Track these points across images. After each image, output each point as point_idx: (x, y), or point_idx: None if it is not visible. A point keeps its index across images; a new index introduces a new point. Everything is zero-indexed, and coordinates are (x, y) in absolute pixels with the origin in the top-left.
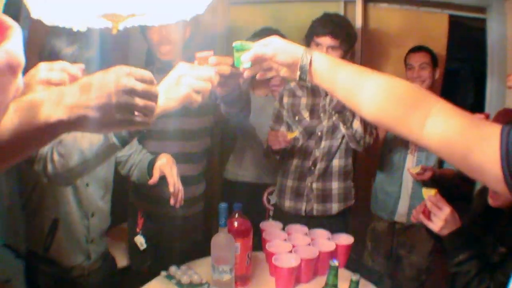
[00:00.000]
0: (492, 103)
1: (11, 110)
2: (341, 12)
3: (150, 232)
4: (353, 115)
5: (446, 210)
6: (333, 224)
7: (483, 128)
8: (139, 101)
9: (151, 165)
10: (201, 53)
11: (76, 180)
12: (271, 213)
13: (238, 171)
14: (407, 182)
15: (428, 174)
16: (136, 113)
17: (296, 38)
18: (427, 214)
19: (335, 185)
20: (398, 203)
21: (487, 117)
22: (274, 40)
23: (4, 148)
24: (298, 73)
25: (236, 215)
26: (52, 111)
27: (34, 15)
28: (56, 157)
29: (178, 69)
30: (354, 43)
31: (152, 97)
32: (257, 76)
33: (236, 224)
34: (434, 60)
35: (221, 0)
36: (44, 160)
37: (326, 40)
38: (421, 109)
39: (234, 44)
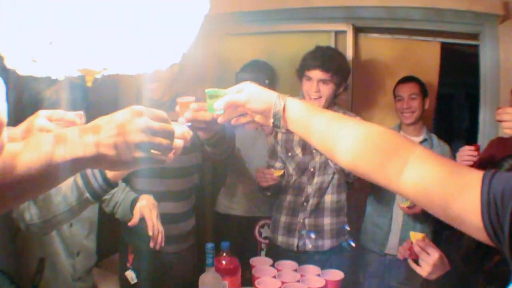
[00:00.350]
0: (485, 130)
1: (27, 148)
2: (332, 43)
3: (141, 267)
4: None
5: (434, 255)
6: (326, 259)
7: (463, 176)
8: (156, 140)
9: (132, 205)
10: (182, 98)
11: (52, 230)
12: (263, 246)
13: (230, 204)
14: (398, 215)
15: (418, 208)
16: (152, 151)
17: (287, 69)
18: (414, 253)
19: (327, 221)
20: (388, 235)
21: (478, 148)
22: (247, 86)
23: (22, 184)
24: (272, 120)
25: (224, 254)
26: (69, 148)
27: (9, 65)
28: (33, 208)
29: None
30: (347, 76)
31: (168, 135)
32: (232, 122)
33: (224, 262)
34: (423, 90)
35: (212, 33)
36: (22, 209)
37: (317, 74)
38: (398, 157)
39: (206, 91)
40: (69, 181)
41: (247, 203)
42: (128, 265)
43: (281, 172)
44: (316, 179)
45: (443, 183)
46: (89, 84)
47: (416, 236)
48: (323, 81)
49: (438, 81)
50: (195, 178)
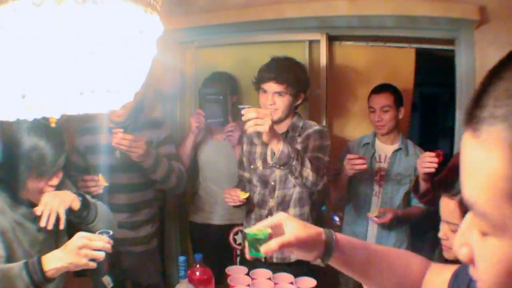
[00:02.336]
0: (460, 133)
1: None
2: (306, 52)
3: (115, 271)
4: (301, 162)
5: None
6: (294, 270)
7: None
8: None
9: None
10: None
11: None
12: (239, 252)
13: (203, 214)
14: (373, 224)
15: (388, 217)
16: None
17: None
18: None
19: None
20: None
21: (439, 155)
22: (286, 220)
23: None
24: (321, 252)
25: (197, 265)
26: None
27: None
28: None
29: (77, 238)
30: (305, 86)
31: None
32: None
33: (197, 273)
34: (398, 99)
35: (187, 46)
36: None
37: (271, 86)
38: None
39: (247, 232)
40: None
41: (220, 212)
42: (104, 270)
43: (247, 195)
44: (277, 193)
45: None
46: (53, 124)
47: None
48: (278, 93)
49: (413, 87)
50: (151, 192)
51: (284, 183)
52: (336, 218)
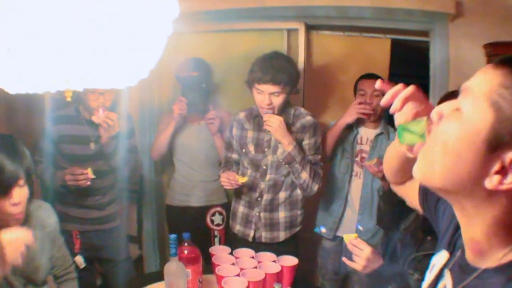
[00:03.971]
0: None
1: None
2: (285, 40)
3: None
4: (302, 166)
5: (366, 250)
6: (281, 249)
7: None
8: None
9: None
10: None
11: None
12: (216, 233)
13: (180, 196)
14: (353, 207)
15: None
16: None
17: (242, 65)
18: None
19: (281, 215)
20: (340, 221)
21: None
22: None
23: None
24: None
25: (186, 244)
26: None
27: None
28: None
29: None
30: (297, 82)
31: None
32: None
33: (186, 252)
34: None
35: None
36: None
37: (268, 88)
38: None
39: (399, 124)
40: None
41: (197, 194)
42: (75, 250)
43: (245, 179)
44: (269, 176)
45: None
46: (68, 99)
47: (349, 237)
48: (275, 94)
49: (388, 77)
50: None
51: (277, 169)
52: (323, 229)
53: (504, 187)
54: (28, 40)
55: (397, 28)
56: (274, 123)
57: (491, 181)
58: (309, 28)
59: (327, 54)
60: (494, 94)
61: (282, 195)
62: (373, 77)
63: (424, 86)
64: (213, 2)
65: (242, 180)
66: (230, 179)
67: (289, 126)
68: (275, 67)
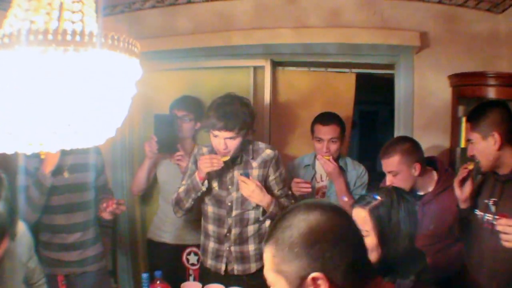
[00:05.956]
0: None
1: None
2: (251, 77)
3: None
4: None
5: None
6: (253, 281)
7: None
8: None
9: None
10: None
11: None
12: (191, 272)
13: (160, 232)
14: None
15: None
16: None
17: (209, 102)
18: None
19: (251, 248)
20: None
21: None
22: None
23: None
24: None
25: (158, 282)
26: None
27: None
28: None
29: None
30: (252, 124)
31: None
32: None
33: None
34: (343, 129)
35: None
36: None
37: (223, 134)
38: None
39: None
40: None
41: (173, 232)
42: None
43: (226, 158)
44: (235, 212)
45: None
46: (42, 156)
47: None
48: (229, 138)
49: (353, 107)
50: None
51: (242, 204)
52: None
53: None
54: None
55: (362, 62)
56: (248, 189)
57: None
58: (275, 64)
59: (293, 90)
60: None
61: (250, 228)
62: (330, 122)
63: (391, 112)
64: (181, 41)
65: (224, 158)
66: (213, 160)
67: (249, 162)
68: (228, 113)
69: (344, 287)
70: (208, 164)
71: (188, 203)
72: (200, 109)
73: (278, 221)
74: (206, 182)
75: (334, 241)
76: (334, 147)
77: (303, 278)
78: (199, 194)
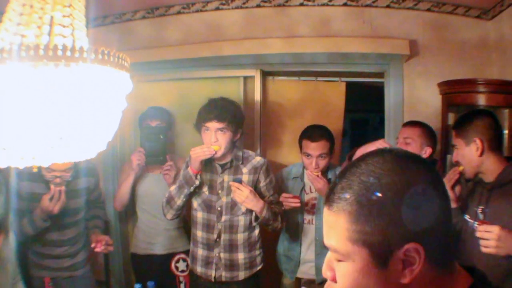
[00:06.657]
0: None
1: None
2: (241, 87)
3: None
4: (276, 219)
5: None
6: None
7: None
8: None
9: None
10: None
11: None
12: (181, 279)
13: (144, 245)
14: (311, 246)
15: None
16: None
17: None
18: None
19: (241, 256)
20: (298, 264)
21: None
22: None
23: None
24: None
25: None
26: None
27: None
28: None
29: None
30: (241, 122)
31: None
32: None
33: None
34: (332, 143)
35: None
36: None
37: (214, 124)
38: None
39: None
40: None
41: (161, 242)
42: None
43: (218, 147)
44: (224, 217)
45: None
46: (35, 170)
47: None
48: (220, 130)
49: (344, 115)
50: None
51: (231, 209)
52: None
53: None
54: None
55: (352, 71)
56: (242, 195)
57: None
58: (265, 74)
59: (283, 99)
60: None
61: (240, 236)
62: (318, 138)
63: (381, 120)
64: (171, 51)
65: (215, 148)
66: (204, 148)
67: (239, 167)
68: (219, 106)
69: (435, 269)
70: (199, 153)
71: (180, 200)
72: (170, 117)
73: (355, 171)
74: (199, 176)
75: (432, 202)
76: (323, 162)
77: (395, 248)
78: (191, 189)
